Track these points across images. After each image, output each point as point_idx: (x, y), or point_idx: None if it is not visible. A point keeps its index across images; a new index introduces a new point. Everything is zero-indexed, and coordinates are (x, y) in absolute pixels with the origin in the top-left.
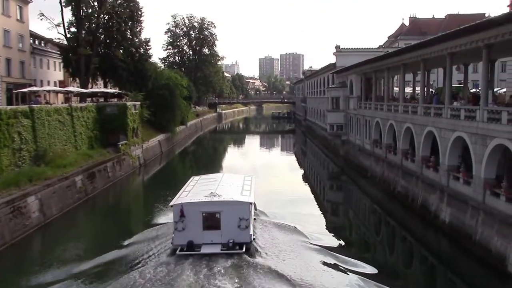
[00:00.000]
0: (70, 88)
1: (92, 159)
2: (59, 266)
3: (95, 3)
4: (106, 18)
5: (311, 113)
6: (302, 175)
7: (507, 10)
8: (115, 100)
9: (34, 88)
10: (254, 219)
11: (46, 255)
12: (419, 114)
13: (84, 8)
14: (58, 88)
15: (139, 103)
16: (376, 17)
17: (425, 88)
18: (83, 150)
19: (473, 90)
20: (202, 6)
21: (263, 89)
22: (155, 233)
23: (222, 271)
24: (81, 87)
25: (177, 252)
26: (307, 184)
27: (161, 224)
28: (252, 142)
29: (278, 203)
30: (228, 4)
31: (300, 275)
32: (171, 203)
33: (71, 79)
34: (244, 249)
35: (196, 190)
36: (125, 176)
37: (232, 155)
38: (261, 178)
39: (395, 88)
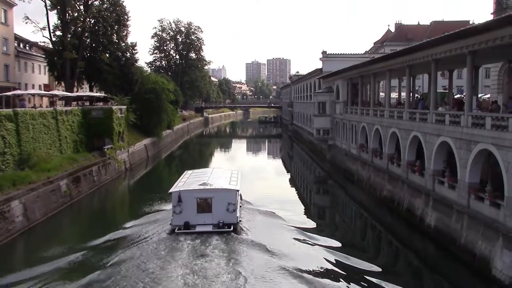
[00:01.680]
0: (55, 92)
1: (77, 163)
2: (48, 261)
3: (81, 7)
4: (92, 22)
5: (297, 117)
6: (289, 179)
7: (490, 17)
8: (101, 104)
9: (19, 92)
10: (240, 206)
11: (31, 256)
12: (405, 119)
13: (69, 11)
14: (43, 92)
15: (125, 107)
16: (362, 23)
17: (411, 94)
18: (68, 154)
19: (458, 95)
20: (189, 11)
21: (250, 93)
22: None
23: (214, 245)
24: (66, 91)
25: (176, 231)
26: (293, 187)
27: (150, 222)
28: (239, 146)
29: (263, 200)
30: (215, 9)
31: (276, 247)
32: (169, 191)
33: (56, 82)
34: (232, 228)
35: (191, 180)
36: (111, 180)
37: (219, 160)
38: (248, 181)
39: (381, 94)
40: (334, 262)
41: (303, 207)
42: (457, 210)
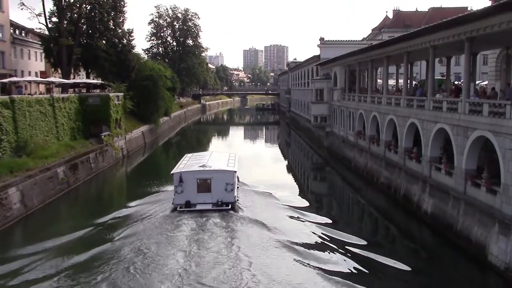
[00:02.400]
0: (52, 79)
1: (75, 150)
2: (48, 241)
3: None
4: (88, 8)
5: (295, 104)
6: (286, 165)
7: (489, 3)
8: (98, 91)
9: (15, 79)
10: (238, 187)
11: (29, 242)
12: (402, 106)
13: None
14: (39, 79)
15: (122, 94)
16: (360, 10)
17: (408, 81)
18: (65, 141)
19: (456, 82)
20: None
21: (248, 80)
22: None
23: (213, 222)
24: (63, 78)
25: (178, 209)
26: (290, 173)
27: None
28: (236, 133)
29: (260, 185)
30: None
31: (270, 223)
32: (171, 172)
33: (53, 69)
34: (230, 207)
35: (191, 162)
36: (108, 167)
37: (216, 146)
38: (245, 168)
39: (378, 80)
40: (325, 237)
41: (300, 192)
42: (453, 197)
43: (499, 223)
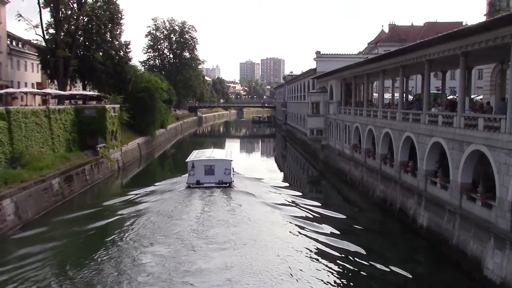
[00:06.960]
0: (48, 90)
1: (70, 161)
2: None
3: (74, 5)
4: (85, 20)
5: (291, 117)
6: (282, 179)
7: (483, 19)
8: (94, 102)
9: (11, 90)
10: (233, 173)
11: (25, 251)
12: (398, 120)
13: (63, 9)
14: (35, 90)
15: (118, 106)
16: (356, 24)
17: (404, 94)
18: (61, 152)
19: (451, 96)
20: (183, 10)
21: (244, 93)
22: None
23: (217, 193)
24: (59, 89)
25: (190, 186)
26: (285, 188)
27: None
28: (233, 146)
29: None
30: (209, 8)
31: (258, 194)
32: (186, 160)
33: (49, 81)
34: (228, 185)
35: (199, 155)
36: (104, 179)
37: None
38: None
39: (374, 94)
40: (293, 200)
41: (295, 203)
42: (449, 210)
43: (494, 237)
